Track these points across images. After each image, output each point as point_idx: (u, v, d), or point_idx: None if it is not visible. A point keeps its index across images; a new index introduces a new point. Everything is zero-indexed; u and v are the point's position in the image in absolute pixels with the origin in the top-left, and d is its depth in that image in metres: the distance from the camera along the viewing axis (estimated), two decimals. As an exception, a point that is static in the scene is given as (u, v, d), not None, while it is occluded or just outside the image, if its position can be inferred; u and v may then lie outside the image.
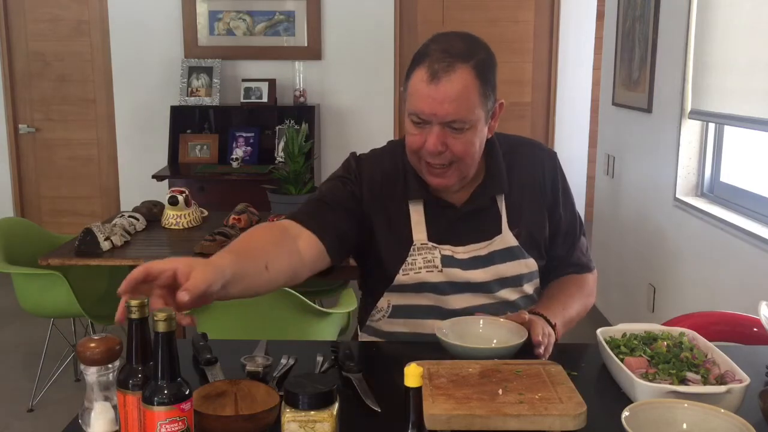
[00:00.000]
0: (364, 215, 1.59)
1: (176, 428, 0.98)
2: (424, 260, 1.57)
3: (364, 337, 1.70)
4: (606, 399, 1.28)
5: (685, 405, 1.13)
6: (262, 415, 1.10)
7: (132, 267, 2.92)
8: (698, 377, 1.24)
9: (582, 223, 1.74)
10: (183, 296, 1.06)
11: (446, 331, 1.46)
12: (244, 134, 4.95)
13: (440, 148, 1.45)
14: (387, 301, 1.63)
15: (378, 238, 1.60)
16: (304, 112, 4.86)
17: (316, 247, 1.47)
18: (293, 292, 2.45)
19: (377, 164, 1.62)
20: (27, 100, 5.25)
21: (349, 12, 5.05)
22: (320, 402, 1.00)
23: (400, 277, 1.58)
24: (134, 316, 1.01)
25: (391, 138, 5.10)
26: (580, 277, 1.71)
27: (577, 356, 1.46)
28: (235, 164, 4.72)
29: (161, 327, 0.97)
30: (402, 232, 1.58)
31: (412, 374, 0.92)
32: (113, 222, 3.17)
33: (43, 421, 3.20)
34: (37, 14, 5.13)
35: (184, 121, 4.95)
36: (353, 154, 1.66)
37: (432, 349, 1.43)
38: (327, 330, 2.64)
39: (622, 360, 1.30)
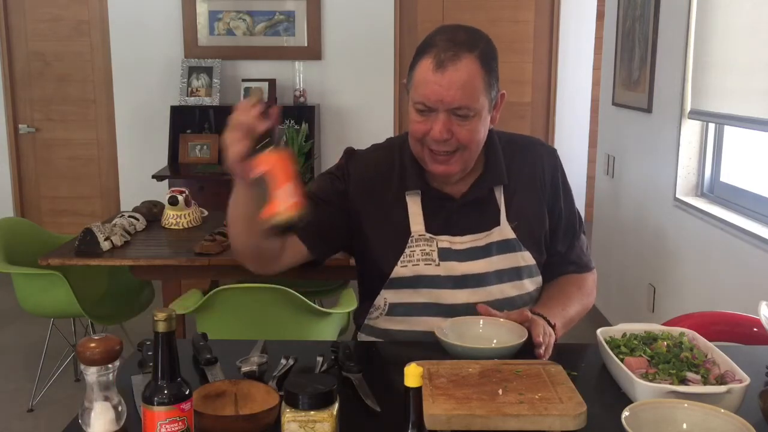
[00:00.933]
0: (351, 211, 1.61)
1: (176, 428, 0.98)
2: (422, 252, 1.57)
3: (362, 338, 1.70)
4: (606, 399, 1.28)
5: (685, 405, 1.13)
6: (262, 415, 1.10)
7: (132, 267, 2.93)
8: (698, 377, 1.24)
9: (582, 221, 1.74)
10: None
11: (446, 331, 1.46)
12: (244, 134, 4.94)
13: (446, 135, 1.47)
14: (384, 298, 1.63)
15: (371, 234, 1.61)
16: (304, 112, 4.86)
17: (297, 246, 1.56)
18: (293, 292, 2.45)
19: (371, 159, 1.65)
20: (27, 100, 5.25)
21: (349, 12, 5.05)
22: (320, 402, 1.00)
23: (399, 269, 1.58)
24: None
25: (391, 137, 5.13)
26: (579, 277, 1.71)
27: (577, 356, 1.46)
28: (235, 164, 4.71)
29: (161, 327, 0.97)
30: (399, 224, 1.59)
31: (412, 374, 0.92)
32: (113, 222, 3.17)
33: (43, 421, 3.20)
34: (37, 14, 5.13)
35: (184, 121, 4.95)
36: (348, 149, 1.68)
37: (432, 349, 1.43)
38: (327, 330, 2.64)
39: (622, 360, 1.30)
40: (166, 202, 3.34)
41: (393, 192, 1.61)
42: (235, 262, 2.86)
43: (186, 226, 3.30)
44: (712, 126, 3.20)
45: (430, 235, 1.58)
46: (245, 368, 1.33)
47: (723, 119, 2.98)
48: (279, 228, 1.29)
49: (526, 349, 1.43)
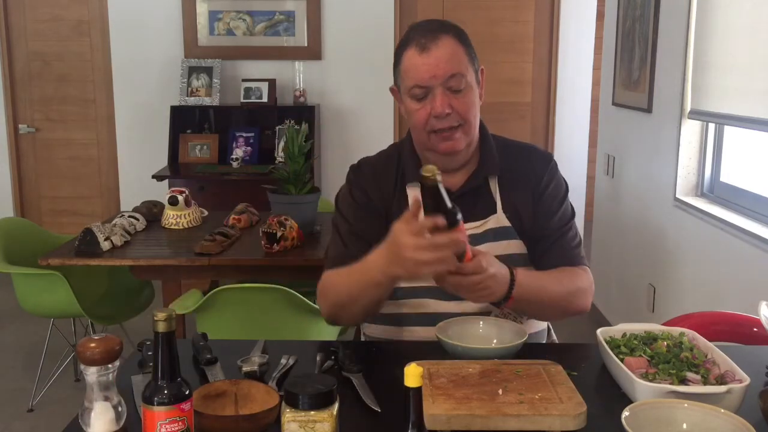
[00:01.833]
0: (384, 219, 1.63)
1: (176, 428, 0.98)
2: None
3: (367, 328, 1.71)
4: (606, 399, 1.28)
5: (685, 405, 1.13)
6: (262, 415, 1.10)
7: (132, 267, 2.94)
8: (698, 377, 1.24)
9: (572, 217, 1.71)
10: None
11: (446, 331, 1.46)
12: (244, 134, 4.95)
13: (447, 109, 1.54)
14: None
15: (384, 225, 1.61)
16: (304, 112, 4.86)
17: None
18: (293, 292, 2.45)
19: (376, 164, 1.71)
20: (27, 100, 5.25)
21: (349, 12, 5.05)
22: (320, 402, 1.00)
23: None
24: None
25: (392, 137, 5.13)
26: (569, 268, 1.68)
27: (577, 356, 1.46)
28: (235, 164, 4.72)
29: (161, 327, 0.97)
30: (401, 215, 1.59)
31: (412, 374, 0.92)
32: (113, 222, 3.17)
33: (43, 421, 3.20)
34: (37, 14, 5.13)
35: (184, 121, 4.95)
36: (352, 165, 1.75)
37: (432, 349, 1.43)
38: (327, 330, 2.64)
39: (622, 360, 1.30)
40: (166, 202, 3.34)
41: (395, 187, 1.66)
42: (235, 261, 2.88)
43: (186, 226, 3.30)
44: (712, 126, 3.20)
45: None
46: (246, 368, 1.33)
47: (723, 119, 2.98)
48: None
49: (526, 349, 1.43)
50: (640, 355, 1.33)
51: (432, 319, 1.55)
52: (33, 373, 3.42)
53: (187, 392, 0.99)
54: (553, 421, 1.13)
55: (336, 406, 1.02)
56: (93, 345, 1.02)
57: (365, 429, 1.18)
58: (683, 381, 1.24)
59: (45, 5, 5.11)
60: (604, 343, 1.36)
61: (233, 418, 1.13)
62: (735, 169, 3.17)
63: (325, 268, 1.63)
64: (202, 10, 5.04)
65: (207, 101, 4.89)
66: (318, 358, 1.42)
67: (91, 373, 1.02)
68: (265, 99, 4.88)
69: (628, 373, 1.23)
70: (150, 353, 1.40)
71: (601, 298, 4.21)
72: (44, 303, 3.14)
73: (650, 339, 1.40)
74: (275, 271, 2.96)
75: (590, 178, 5.22)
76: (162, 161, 4.91)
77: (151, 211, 3.40)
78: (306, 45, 5.07)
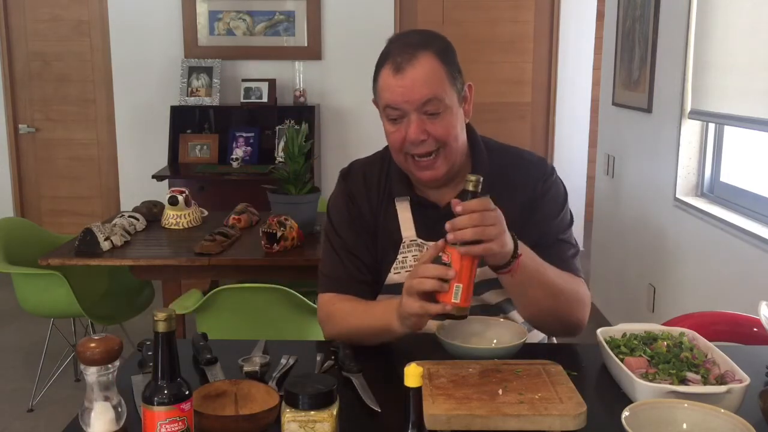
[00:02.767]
0: (372, 228, 1.62)
1: (176, 428, 0.98)
2: (414, 259, 1.57)
3: None
4: (606, 399, 1.28)
5: (685, 405, 1.13)
6: (262, 415, 1.10)
7: (132, 267, 2.94)
8: (698, 377, 1.24)
9: (570, 225, 1.63)
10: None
11: (446, 331, 1.46)
12: (244, 134, 4.95)
13: (422, 135, 1.46)
14: None
15: (369, 242, 1.62)
16: (304, 112, 4.86)
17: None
18: (293, 292, 2.45)
19: (368, 170, 1.66)
20: (27, 100, 5.25)
21: (349, 12, 5.05)
22: (320, 402, 1.00)
23: (392, 276, 1.59)
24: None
25: (391, 138, 5.13)
26: (567, 272, 1.61)
27: (577, 356, 1.46)
28: (235, 164, 4.72)
29: (161, 327, 0.98)
30: (391, 230, 1.60)
31: (412, 374, 0.92)
32: (113, 222, 3.17)
33: (43, 421, 3.20)
34: (37, 14, 5.13)
35: (184, 121, 4.95)
36: (342, 170, 1.71)
37: (432, 349, 1.43)
38: (327, 330, 2.64)
39: (622, 360, 1.30)
40: (166, 202, 3.34)
41: (384, 200, 1.62)
42: (236, 261, 2.88)
43: (186, 226, 3.30)
44: (712, 126, 3.20)
45: (421, 240, 1.58)
46: (247, 368, 1.33)
47: (723, 119, 2.98)
48: (449, 317, 1.32)
49: (526, 349, 1.43)
50: (640, 355, 1.32)
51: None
52: (33, 373, 3.42)
53: (187, 392, 0.99)
54: (553, 421, 1.13)
55: (336, 406, 1.02)
56: (93, 345, 1.02)
57: (365, 429, 1.18)
58: (683, 381, 1.24)
59: (45, 5, 5.11)
60: (604, 343, 1.36)
61: (233, 418, 1.13)
62: (735, 169, 3.17)
63: (322, 288, 1.61)
64: (202, 10, 5.04)
65: (207, 101, 4.89)
66: (318, 358, 1.42)
67: (91, 373, 1.02)
68: (265, 99, 4.88)
69: (628, 373, 1.23)
70: (150, 353, 1.40)
71: (601, 298, 4.21)
72: (44, 303, 3.14)
73: (650, 339, 1.39)
74: (275, 271, 2.96)
75: (590, 178, 5.22)
76: (162, 161, 4.91)
77: (151, 211, 3.40)
78: (306, 45, 5.07)
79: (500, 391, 1.21)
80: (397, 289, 1.58)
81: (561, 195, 1.63)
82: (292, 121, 4.76)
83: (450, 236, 1.27)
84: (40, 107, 5.26)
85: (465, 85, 1.53)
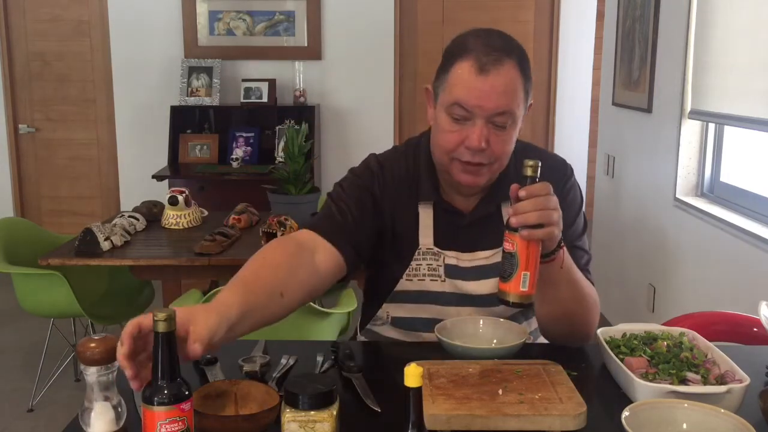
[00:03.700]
0: (381, 220, 1.55)
1: (176, 428, 0.98)
2: (429, 267, 1.55)
3: (362, 339, 1.70)
4: (606, 399, 1.28)
5: (685, 405, 1.13)
6: (262, 415, 1.10)
7: (132, 267, 2.93)
8: (698, 377, 1.24)
9: (584, 231, 1.61)
10: (195, 349, 1.06)
11: (446, 331, 1.46)
12: (244, 134, 4.95)
13: (483, 144, 1.39)
14: (386, 312, 1.61)
15: (385, 241, 1.57)
16: (304, 112, 4.86)
17: (334, 259, 1.44)
18: (293, 292, 2.44)
19: (395, 166, 1.58)
20: (27, 100, 5.25)
21: (349, 12, 5.05)
22: (320, 402, 1.00)
23: (404, 282, 1.56)
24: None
25: (391, 138, 5.13)
26: None
27: (577, 356, 1.46)
28: (235, 164, 4.72)
29: (161, 327, 0.97)
30: (409, 235, 1.55)
31: (412, 374, 0.92)
32: (113, 222, 3.17)
33: (43, 421, 3.20)
34: (37, 14, 5.13)
35: (184, 121, 4.95)
36: (373, 155, 1.61)
37: (432, 349, 1.43)
38: (327, 330, 2.64)
39: (622, 360, 1.30)
40: (166, 202, 3.34)
41: (408, 202, 1.55)
42: (236, 261, 2.88)
43: (186, 226, 3.30)
44: (712, 126, 3.20)
45: (438, 249, 1.54)
46: (248, 368, 1.33)
47: (723, 119, 2.98)
48: (510, 304, 1.28)
49: (526, 349, 1.43)
50: (640, 355, 1.32)
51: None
52: (33, 373, 3.42)
53: (187, 392, 0.99)
54: (553, 421, 1.13)
55: (336, 406, 1.02)
56: (93, 345, 1.02)
57: (365, 429, 1.18)
58: (683, 381, 1.24)
59: (45, 5, 5.11)
60: (604, 343, 1.36)
61: (233, 418, 1.13)
62: (735, 169, 3.17)
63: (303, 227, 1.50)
64: (202, 10, 5.04)
65: (207, 101, 4.89)
66: (318, 358, 1.42)
67: (91, 373, 1.02)
68: (265, 99, 4.88)
69: (628, 373, 1.23)
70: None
71: (601, 298, 4.19)
72: (44, 303, 3.13)
73: (650, 339, 1.39)
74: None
75: (590, 178, 5.22)
76: (162, 161, 4.91)
77: (151, 211, 3.40)
78: (306, 45, 5.07)
79: (500, 391, 1.21)
80: (408, 296, 1.57)
81: (578, 200, 1.59)
82: (292, 121, 4.76)
83: (513, 220, 1.23)
84: (40, 107, 5.26)
85: (530, 102, 1.48)
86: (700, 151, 3.27)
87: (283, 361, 1.38)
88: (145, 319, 1.05)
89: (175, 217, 3.30)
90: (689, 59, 3.18)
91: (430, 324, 1.55)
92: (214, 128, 5.04)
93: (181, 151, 4.91)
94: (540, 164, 1.25)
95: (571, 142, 5.31)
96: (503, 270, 1.26)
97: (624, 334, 1.42)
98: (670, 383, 1.22)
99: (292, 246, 1.42)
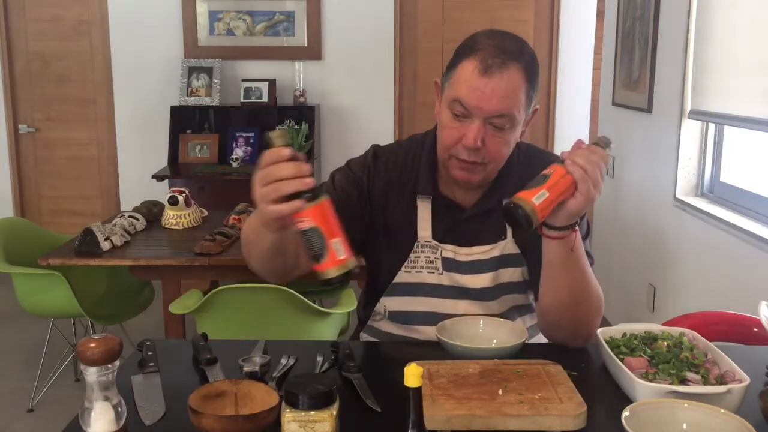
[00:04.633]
0: (371, 212, 1.57)
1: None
2: (426, 260, 1.56)
3: (364, 337, 1.70)
4: (606, 399, 1.28)
5: (685, 405, 1.13)
6: (262, 415, 1.10)
7: (132, 267, 2.93)
8: (698, 377, 1.24)
9: (587, 235, 1.61)
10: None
11: (446, 331, 1.46)
12: (244, 134, 4.95)
13: (478, 144, 1.42)
14: (383, 306, 1.62)
15: (379, 233, 1.59)
16: (304, 112, 4.87)
17: None
18: (293, 292, 2.45)
19: (392, 158, 1.60)
20: (27, 100, 5.25)
21: (349, 12, 5.05)
22: (320, 402, 1.00)
23: (402, 274, 1.58)
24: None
25: (392, 137, 5.13)
26: None
27: (577, 356, 1.46)
28: (235, 164, 4.72)
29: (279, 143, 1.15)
30: (407, 227, 1.57)
31: (412, 374, 0.92)
32: (113, 222, 3.17)
33: (43, 421, 3.20)
34: (37, 14, 5.13)
35: (184, 121, 4.95)
36: (374, 146, 1.64)
37: (432, 349, 1.43)
38: (327, 330, 2.64)
39: (622, 360, 1.30)
40: (166, 202, 3.35)
41: (406, 194, 1.58)
42: (236, 261, 2.88)
43: (186, 226, 3.30)
44: (712, 126, 3.20)
45: (436, 242, 1.56)
46: (248, 368, 1.33)
47: (723, 119, 2.98)
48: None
49: (526, 349, 1.43)
50: (640, 355, 1.32)
51: (440, 320, 1.53)
52: (33, 373, 3.42)
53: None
54: (553, 421, 1.13)
55: (336, 406, 1.02)
56: (93, 345, 1.02)
57: (365, 429, 1.18)
58: (683, 381, 1.24)
59: (45, 5, 5.11)
60: (604, 343, 1.36)
61: (233, 418, 1.13)
62: (735, 169, 3.17)
63: None
64: (202, 10, 5.04)
65: (207, 101, 4.90)
66: (318, 358, 1.42)
67: (91, 373, 1.02)
68: (265, 99, 4.88)
69: (628, 373, 1.23)
70: (150, 353, 1.40)
71: (601, 298, 4.20)
72: (44, 303, 3.14)
73: (650, 339, 1.39)
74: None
75: (590, 178, 5.21)
76: (162, 161, 4.91)
77: (151, 211, 3.40)
78: (306, 45, 5.07)
79: (500, 391, 1.21)
80: (406, 288, 1.59)
81: None
82: (292, 121, 4.77)
83: (565, 153, 1.30)
84: (40, 107, 5.26)
85: (534, 107, 1.50)
86: (700, 151, 3.27)
87: (283, 361, 1.38)
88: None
89: (175, 217, 3.30)
90: (689, 59, 3.18)
91: (426, 318, 1.57)
92: (214, 128, 5.04)
93: (181, 151, 4.91)
94: (612, 144, 1.34)
95: (571, 143, 5.28)
96: (528, 184, 1.29)
97: (624, 334, 1.42)
98: (670, 383, 1.22)
99: None
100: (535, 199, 1.25)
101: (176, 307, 2.60)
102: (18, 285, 3.15)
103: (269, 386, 1.21)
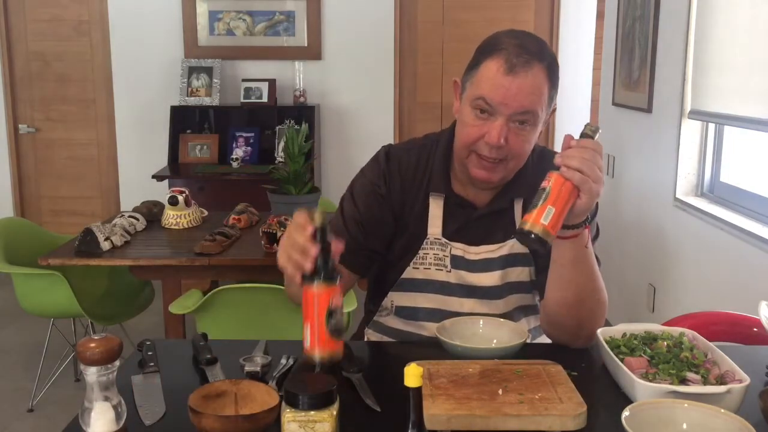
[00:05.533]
0: (391, 215, 1.59)
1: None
2: (435, 257, 1.57)
3: (369, 333, 1.71)
4: (606, 399, 1.28)
5: (685, 405, 1.13)
6: (262, 415, 1.10)
7: (132, 267, 2.93)
8: (698, 377, 1.24)
9: (596, 237, 1.65)
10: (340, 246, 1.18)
11: (446, 331, 1.46)
12: (244, 134, 4.95)
13: (502, 142, 1.43)
14: (390, 301, 1.63)
15: (395, 231, 1.61)
16: (304, 112, 4.87)
17: (351, 276, 1.56)
18: (293, 292, 2.44)
19: (405, 157, 1.62)
20: (27, 100, 5.25)
21: (349, 12, 5.05)
22: (320, 402, 1.00)
23: (410, 270, 1.59)
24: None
25: (392, 137, 5.13)
26: None
27: (577, 356, 1.46)
28: (235, 164, 4.72)
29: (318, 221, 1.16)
30: (418, 224, 1.59)
31: (412, 374, 0.92)
32: (113, 222, 3.17)
33: (43, 421, 3.20)
34: (37, 14, 5.13)
35: (184, 121, 4.95)
36: (385, 147, 1.65)
37: (432, 349, 1.43)
38: (327, 330, 2.63)
39: (622, 360, 1.30)
40: (166, 202, 3.35)
41: (419, 192, 1.59)
42: (236, 261, 2.89)
43: (186, 226, 3.30)
44: (712, 126, 3.20)
45: (445, 240, 1.57)
46: (248, 368, 1.33)
47: (723, 119, 2.98)
48: (524, 234, 1.26)
49: (526, 349, 1.43)
50: (640, 355, 1.32)
51: (446, 317, 1.54)
52: (33, 373, 3.42)
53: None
54: (553, 421, 1.13)
55: (336, 406, 1.02)
56: (93, 345, 1.02)
57: (365, 429, 1.18)
58: (683, 381, 1.24)
59: (45, 5, 5.11)
60: (604, 343, 1.36)
61: (233, 418, 1.13)
62: (735, 169, 3.17)
63: None
64: (202, 10, 5.04)
65: (207, 101, 4.90)
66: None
67: (91, 373, 1.02)
68: (265, 99, 4.88)
69: (628, 373, 1.23)
70: (150, 353, 1.40)
71: (601, 298, 4.20)
72: (44, 303, 3.14)
73: (650, 339, 1.39)
74: (275, 271, 2.93)
75: (590, 178, 5.21)
76: (162, 161, 4.91)
77: (151, 211, 3.40)
78: (306, 45, 5.07)
79: (500, 391, 1.21)
80: (413, 283, 1.60)
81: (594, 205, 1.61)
82: (292, 121, 4.76)
83: (558, 159, 1.29)
84: (40, 107, 5.26)
85: (553, 107, 1.52)
86: (700, 151, 3.27)
87: (283, 361, 1.38)
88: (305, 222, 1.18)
89: (175, 217, 3.30)
90: (689, 59, 3.18)
91: (432, 314, 1.58)
92: (214, 128, 5.04)
93: (181, 151, 4.91)
94: (600, 130, 1.33)
95: (571, 142, 5.31)
96: (531, 202, 1.28)
97: (624, 334, 1.42)
98: (670, 383, 1.22)
99: None
100: (543, 219, 1.26)
101: (176, 307, 2.60)
102: (18, 285, 3.15)
103: (269, 386, 1.21)
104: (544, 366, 1.32)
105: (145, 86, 5.11)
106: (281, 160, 4.42)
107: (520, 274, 1.59)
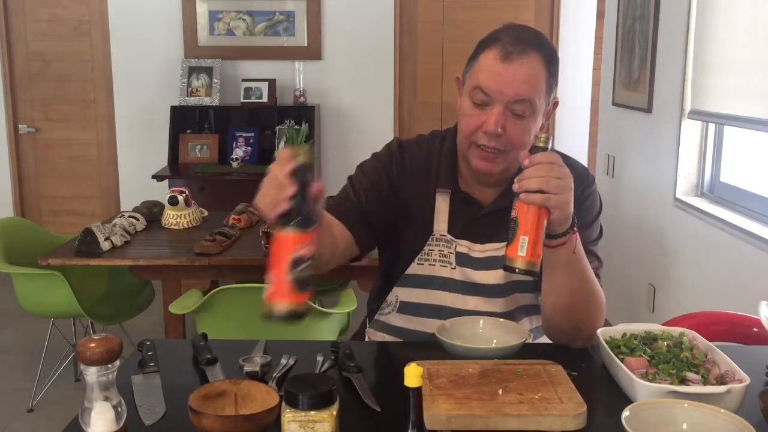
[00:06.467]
0: (397, 203, 1.60)
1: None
2: (440, 254, 1.58)
3: (371, 332, 1.71)
4: (606, 399, 1.28)
5: (685, 405, 1.13)
6: (262, 415, 1.10)
7: (132, 267, 2.94)
8: (698, 377, 1.24)
9: (599, 238, 1.65)
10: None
11: (446, 331, 1.46)
12: (244, 134, 4.95)
13: (499, 130, 1.44)
14: (395, 296, 1.64)
15: (401, 225, 1.61)
16: (304, 112, 4.87)
17: (346, 237, 1.53)
18: (293, 292, 2.44)
19: (416, 150, 1.63)
20: (27, 100, 5.25)
21: (349, 12, 5.05)
22: (320, 402, 1.00)
23: (415, 266, 1.60)
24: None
25: (391, 137, 5.12)
26: None
27: (577, 356, 1.46)
28: (235, 164, 4.72)
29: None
30: (424, 220, 1.59)
31: (412, 374, 0.92)
32: (113, 222, 3.17)
33: (43, 421, 3.20)
34: (37, 14, 5.13)
35: (184, 121, 4.95)
36: (396, 138, 1.67)
37: (432, 349, 1.43)
38: (327, 330, 2.64)
39: (622, 360, 1.30)
40: (166, 202, 3.35)
41: (426, 187, 1.60)
42: (236, 261, 2.88)
43: (186, 226, 3.30)
44: (712, 126, 3.20)
45: (451, 236, 1.58)
46: (248, 368, 1.33)
47: (723, 119, 2.98)
48: (507, 269, 1.27)
49: (526, 349, 1.43)
50: (640, 355, 1.32)
51: (449, 314, 1.54)
52: (33, 373, 3.42)
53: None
54: (553, 421, 1.13)
55: (336, 406, 1.02)
56: (93, 345, 1.02)
57: (365, 429, 1.18)
58: (683, 381, 1.24)
59: (45, 5, 5.11)
60: (604, 343, 1.36)
61: (233, 418, 1.13)
62: (735, 169, 3.17)
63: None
64: (202, 10, 5.04)
65: (207, 101, 4.90)
66: (318, 358, 1.42)
67: (91, 373, 1.02)
68: (265, 99, 4.88)
69: (628, 373, 1.23)
70: (150, 353, 1.40)
71: (601, 298, 4.20)
72: (44, 303, 3.14)
73: (650, 339, 1.39)
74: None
75: (590, 178, 5.21)
76: (162, 161, 4.91)
77: (151, 211, 3.40)
78: (306, 45, 5.07)
79: (500, 391, 1.21)
80: (418, 279, 1.60)
81: (596, 207, 1.65)
82: (292, 121, 4.76)
83: (515, 185, 1.28)
84: (40, 107, 5.26)
85: (554, 99, 1.52)
86: (700, 151, 3.27)
87: (283, 361, 1.38)
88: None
89: (175, 217, 3.30)
90: (689, 59, 3.18)
91: (435, 311, 1.59)
92: (214, 128, 5.04)
93: (181, 151, 4.91)
94: (551, 137, 1.29)
95: (571, 143, 5.30)
96: (508, 236, 1.28)
97: (624, 334, 1.42)
98: (670, 383, 1.22)
99: None
100: (520, 251, 1.25)
101: (176, 307, 2.60)
102: (18, 285, 3.15)
103: (269, 386, 1.21)
104: (544, 366, 1.32)
105: (145, 86, 5.11)
106: (281, 160, 4.41)
107: None
